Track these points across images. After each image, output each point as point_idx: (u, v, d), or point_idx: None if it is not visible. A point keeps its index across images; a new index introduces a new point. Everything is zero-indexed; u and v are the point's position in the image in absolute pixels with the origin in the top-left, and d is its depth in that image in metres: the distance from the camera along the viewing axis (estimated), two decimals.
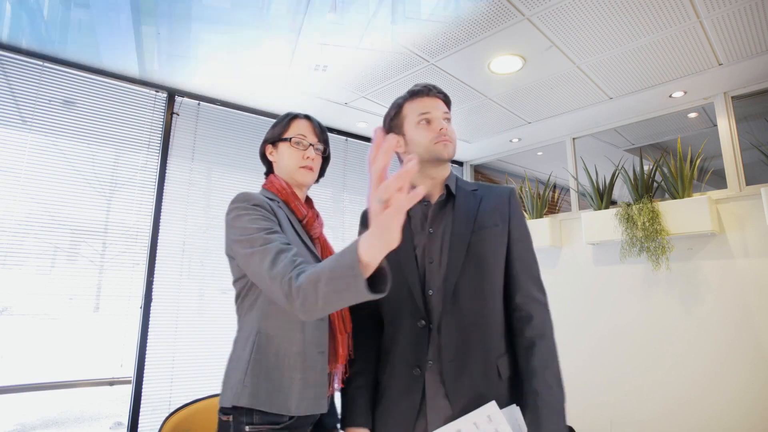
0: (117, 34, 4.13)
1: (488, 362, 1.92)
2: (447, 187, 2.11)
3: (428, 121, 2.08)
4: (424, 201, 2.11)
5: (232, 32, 3.83)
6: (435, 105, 2.13)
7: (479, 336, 1.93)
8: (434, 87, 2.16)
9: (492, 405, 1.85)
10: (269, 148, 2.15)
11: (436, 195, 2.11)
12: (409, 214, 2.09)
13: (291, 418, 1.84)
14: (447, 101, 2.18)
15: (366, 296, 1.43)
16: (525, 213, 6.97)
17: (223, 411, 1.84)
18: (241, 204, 1.90)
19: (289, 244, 1.79)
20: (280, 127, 2.13)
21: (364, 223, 2.17)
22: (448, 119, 2.13)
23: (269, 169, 2.17)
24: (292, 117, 2.15)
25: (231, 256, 1.94)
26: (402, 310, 2.00)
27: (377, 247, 1.37)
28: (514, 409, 1.90)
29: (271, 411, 1.80)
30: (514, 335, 1.98)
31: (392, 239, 1.35)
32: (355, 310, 2.13)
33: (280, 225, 1.91)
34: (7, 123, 4.07)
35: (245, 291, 1.94)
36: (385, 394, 2.00)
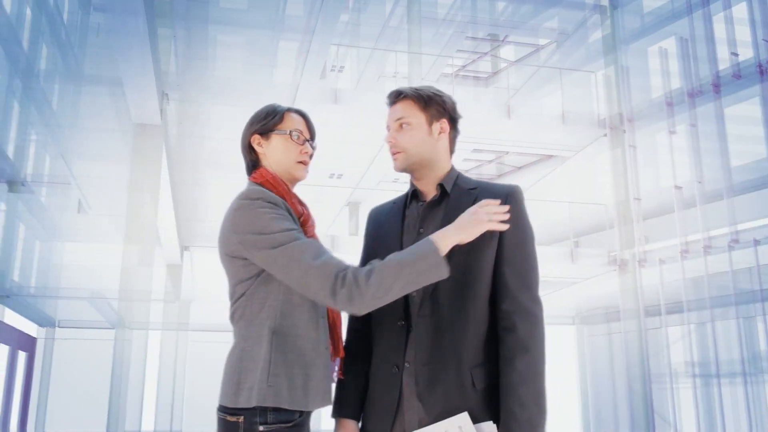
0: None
1: (462, 371, 1.89)
2: (441, 186, 2.06)
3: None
4: (420, 201, 2.09)
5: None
6: (391, 114, 2.10)
7: (454, 343, 1.91)
8: (393, 92, 2.12)
9: (464, 416, 1.83)
10: (257, 139, 2.09)
11: (431, 195, 2.08)
12: (405, 214, 2.10)
13: (301, 414, 1.89)
14: (416, 104, 2.08)
15: (444, 275, 1.81)
16: None
17: (230, 411, 1.86)
18: (257, 201, 1.90)
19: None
20: (273, 118, 2.09)
21: (370, 220, 2.22)
22: (401, 125, 2.07)
23: (254, 162, 2.13)
24: (284, 109, 2.12)
25: (234, 257, 1.94)
26: (386, 309, 1.98)
27: (456, 240, 1.83)
28: (488, 426, 1.85)
29: (291, 408, 1.84)
30: (499, 345, 1.92)
31: (471, 237, 1.85)
32: None
33: (291, 217, 1.94)
34: None
35: (252, 290, 1.94)
36: (370, 389, 2.03)
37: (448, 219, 1.95)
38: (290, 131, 2.07)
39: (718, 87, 9.75)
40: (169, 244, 11.58)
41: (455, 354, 1.89)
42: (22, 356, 15.25)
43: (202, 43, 10.27)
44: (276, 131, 2.07)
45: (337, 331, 2.05)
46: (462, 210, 1.94)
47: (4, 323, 13.42)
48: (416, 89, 2.08)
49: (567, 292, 12.43)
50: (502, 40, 12.90)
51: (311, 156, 2.15)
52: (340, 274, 1.78)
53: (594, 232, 11.61)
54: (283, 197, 2.00)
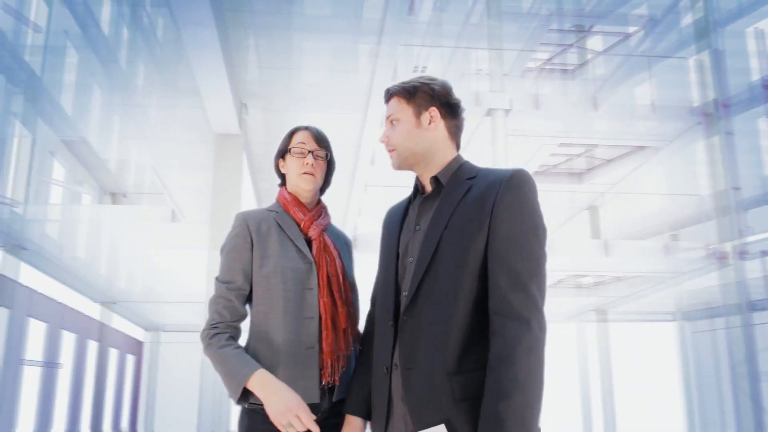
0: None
1: (443, 377, 1.74)
2: (436, 179, 1.95)
3: None
4: (422, 197, 2.02)
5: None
6: (387, 112, 2.04)
7: (436, 346, 1.76)
8: (385, 91, 2.05)
9: (441, 428, 1.70)
10: (281, 162, 2.37)
11: (430, 188, 1.99)
12: (407, 212, 2.03)
13: None
14: (402, 97, 1.99)
15: (233, 399, 2.02)
16: None
17: None
18: (232, 228, 2.24)
19: (240, 290, 2.16)
20: (284, 141, 2.34)
21: (384, 221, 2.16)
22: (392, 122, 2.00)
23: (283, 182, 2.39)
24: (294, 130, 2.33)
25: None
26: (380, 306, 1.97)
27: (260, 396, 1.98)
28: None
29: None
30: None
31: (269, 412, 1.95)
32: (371, 306, 2.18)
33: (251, 238, 2.18)
34: None
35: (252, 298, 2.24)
36: (371, 387, 2.00)
37: (439, 211, 1.87)
38: (291, 148, 2.30)
39: None
40: None
41: (437, 359, 1.76)
42: (130, 359, 16.05)
43: (282, 52, 10.49)
44: (287, 151, 2.32)
45: (323, 333, 2.15)
46: (450, 202, 1.86)
47: (113, 328, 14.15)
48: (403, 83, 2.01)
49: (666, 287, 11.98)
50: (588, 30, 12.55)
51: (331, 164, 2.37)
52: (208, 326, 2.14)
53: (692, 224, 11.16)
54: (286, 209, 2.28)
